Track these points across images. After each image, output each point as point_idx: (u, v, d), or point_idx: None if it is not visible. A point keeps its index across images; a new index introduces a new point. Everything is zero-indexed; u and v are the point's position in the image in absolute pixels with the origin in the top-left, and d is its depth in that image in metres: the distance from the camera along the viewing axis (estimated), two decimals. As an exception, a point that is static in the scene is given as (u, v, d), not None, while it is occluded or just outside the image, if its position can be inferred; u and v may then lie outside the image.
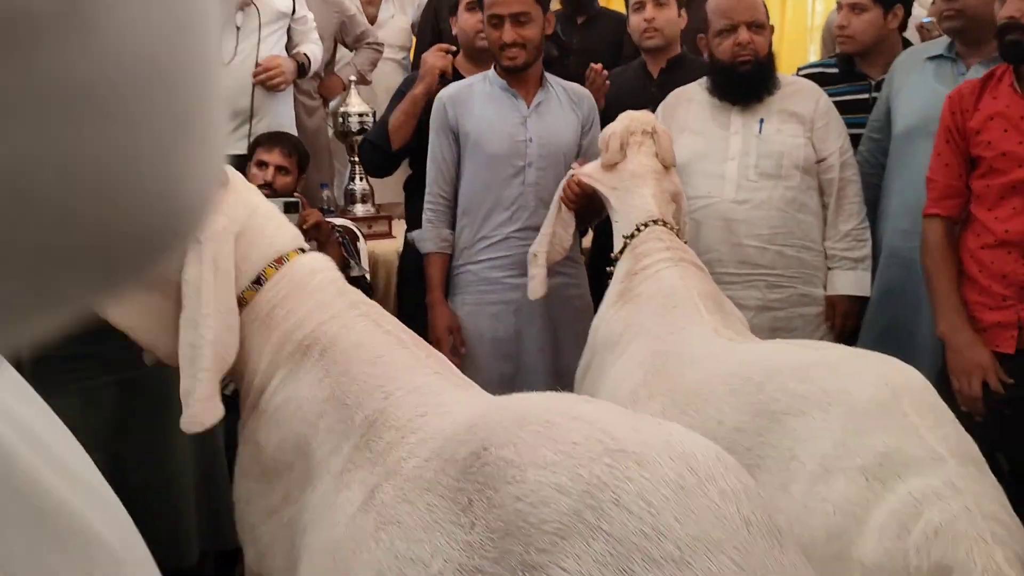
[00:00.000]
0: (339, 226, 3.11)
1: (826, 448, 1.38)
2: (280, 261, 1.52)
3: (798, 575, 0.95)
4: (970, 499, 1.29)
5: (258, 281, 1.50)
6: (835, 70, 3.23)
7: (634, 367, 1.84)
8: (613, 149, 2.34)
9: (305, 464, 1.35)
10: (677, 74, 3.08)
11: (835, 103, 2.97)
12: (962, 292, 2.34)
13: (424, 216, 2.81)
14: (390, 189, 3.66)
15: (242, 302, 1.49)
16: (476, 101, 2.76)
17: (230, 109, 3.26)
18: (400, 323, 1.55)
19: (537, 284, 2.41)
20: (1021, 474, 2.08)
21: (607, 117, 3.02)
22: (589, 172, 2.38)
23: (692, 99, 2.85)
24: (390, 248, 3.40)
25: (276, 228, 1.57)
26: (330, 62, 3.83)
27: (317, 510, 1.29)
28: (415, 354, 1.43)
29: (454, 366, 1.50)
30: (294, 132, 3.35)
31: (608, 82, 3.07)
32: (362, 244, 3.23)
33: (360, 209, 3.63)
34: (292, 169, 2.99)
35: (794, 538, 1.18)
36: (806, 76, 3.23)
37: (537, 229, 2.63)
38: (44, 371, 1.85)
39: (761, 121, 2.76)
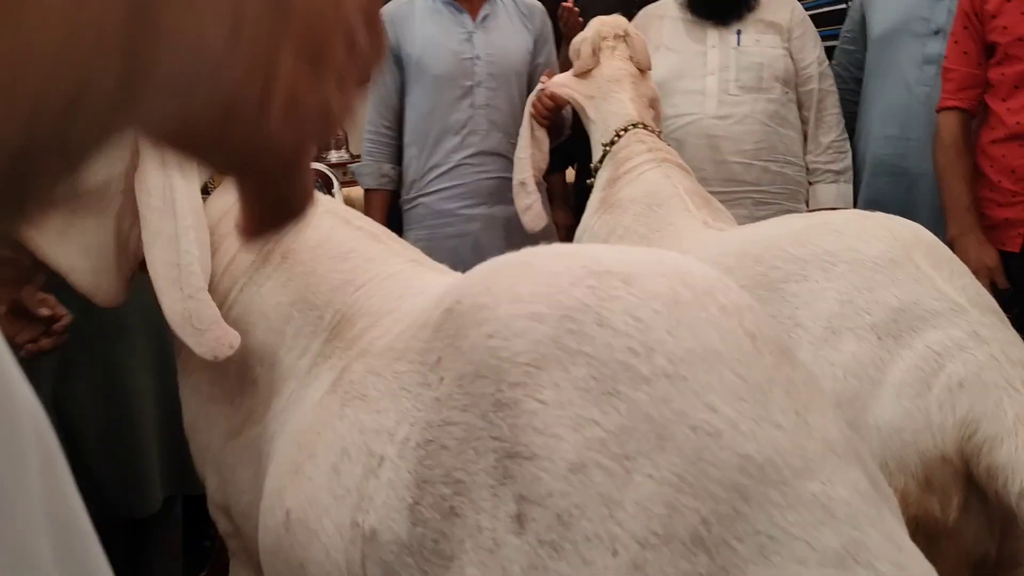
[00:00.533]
0: (314, 171, 3.04)
1: (832, 308, 1.28)
2: None
3: (812, 395, 0.82)
4: (996, 347, 1.20)
5: (205, 190, 1.34)
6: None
7: None
8: (585, 55, 2.25)
9: (270, 375, 1.23)
10: None
11: (811, 15, 2.90)
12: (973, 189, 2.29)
13: (363, 149, 2.68)
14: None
15: None
16: (417, 18, 2.59)
17: None
18: (372, 220, 1.42)
19: (534, 214, 2.30)
20: None
21: None
22: (562, 82, 2.30)
23: (664, 15, 2.76)
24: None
25: None
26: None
27: (285, 413, 1.18)
28: (389, 246, 1.32)
29: (433, 262, 1.38)
30: None
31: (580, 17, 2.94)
32: (337, 190, 3.16)
33: (335, 156, 3.56)
34: None
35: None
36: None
37: (491, 154, 2.58)
38: None
39: (738, 33, 2.68)
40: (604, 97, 2.20)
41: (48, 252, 1.21)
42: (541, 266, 0.91)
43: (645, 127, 2.12)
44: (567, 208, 3.01)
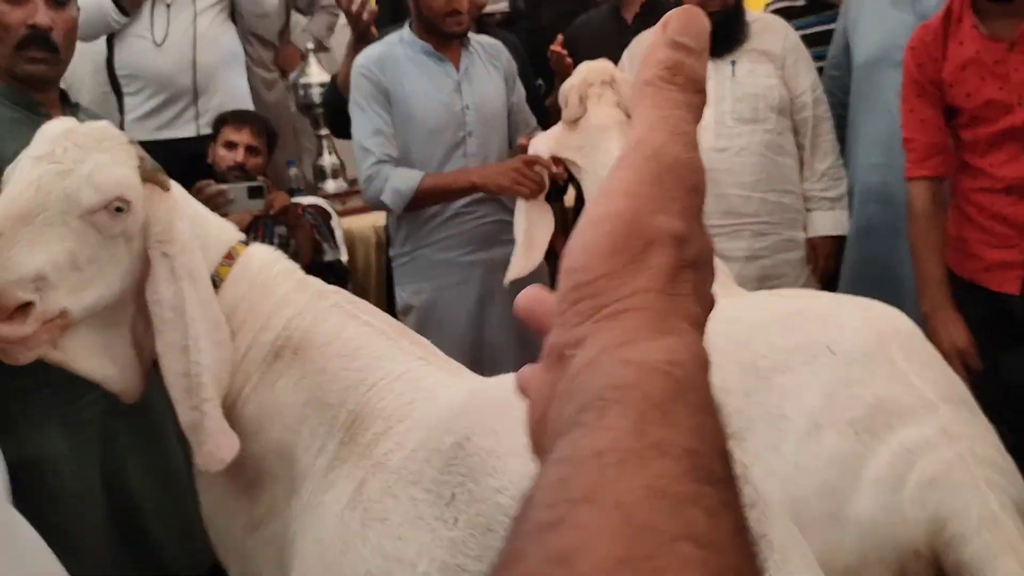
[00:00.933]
0: (309, 206, 3.03)
1: (815, 402, 1.35)
2: (230, 257, 1.38)
3: None
4: (964, 445, 1.27)
5: (213, 283, 1.35)
6: (802, 2, 3.15)
7: None
8: (573, 104, 2.25)
9: (290, 472, 1.26)
10: (652, 20, 2.93)
11: (803, 36, 2.90)
12: (960, 232, 2.27)
13: (381, 169, 2.53)
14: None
15: None
16: (404, 68, 2.56)
17: (168, 91, 3.10)
18: (377, 310, 1.45)
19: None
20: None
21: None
22: (547, 137, 2.29)
23: (660, 45, 2.75)
24: (366, 224, 3.30)
25: (215, 220, 1.44)
26: (284, 30, 3.69)
27: (305, 515, 1.22)
28: (397, 343, 1.33)
29: (438, 350, 1.42)
30: (250, 107, 3.22)
31: (569, 59, 2.91)
32: (336, 223, 3.14)
33: (332, 185, 3.54)
34: (262, 149, 2.89)
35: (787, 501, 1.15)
36: (774, 11, 3.15)
37: (485, 200, 2.58)
38: (23, 404, 1.81)
39: (733, 63, 2.68)
40: (594, 147, 2.20)
41: (81, 367, 1.29)
42: None
43: None
44: (565, 236, 3.01)
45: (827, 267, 2.71)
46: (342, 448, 1.20)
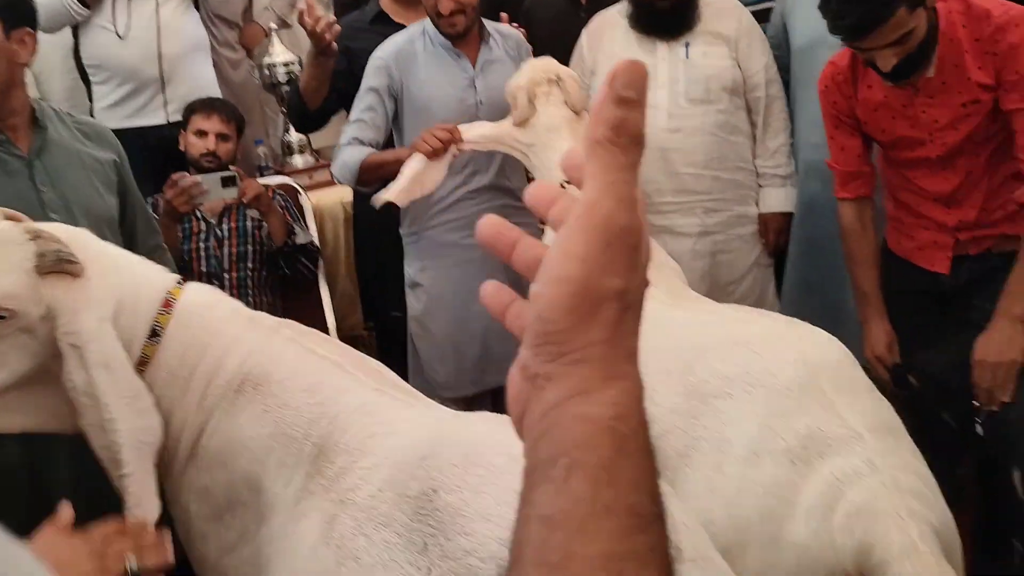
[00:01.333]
0: (278, 188, 3.11)
1: (752, 430, 1.47)
2: (167, 305, 1.41)
3: None
4: (887, 475, 1.39)
5: (154, 334, 1.39)
6: (752, -22, 3.21)
7: None
8: (522, 105, 2.30)
9: (258, 500, 1.34)
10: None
11: (756, 11, 2.98)
12: (896, 213, 2.39)
13: (344, 148, 2.62)
14: (329, 131, 3.61)
15: (143, 361, 1.38)
16: (420, 62, 2.64)
17: (135, 81, 3.14)
18: (330, 339, 1.51)
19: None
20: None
21: (538, 51, 2.94)
22: (481, 131, 2.32)
23: (616, 25, 2.83)
24: (334, 199, 3.38)
25: (144, 270, 1.46)
26: (247, 9, 3.72)
27: (276, 542, 1.30)
28: (353, 375, 1.40)
29: (394, 378, 1.49)
30: (217, 93, 3.27)
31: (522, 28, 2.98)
32: (305, 200, 3.23)
33: (299, 160, 3.60)
34: (232, 135, 2.96)
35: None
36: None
37: (491, 188, 2.69)
38: None
39: (687, 45, 2.75)
40: (545, 146, 2.28)
41: (5, 425, 1.37)
42: (504, 476, 1.07)
43: None
44: None
45: (778, 242, 2.83)
46: (309, 480, 1.28)
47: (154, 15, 3.08)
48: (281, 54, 3.52)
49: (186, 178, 2.66)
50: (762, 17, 2.95)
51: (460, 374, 2.74)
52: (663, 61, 2.76)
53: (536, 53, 3.00)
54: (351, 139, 2.63)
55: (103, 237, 1.97)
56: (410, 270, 2.82)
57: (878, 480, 1.38)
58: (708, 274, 2.78)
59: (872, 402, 1.54)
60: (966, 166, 2.21)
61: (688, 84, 2.72)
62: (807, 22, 2.69)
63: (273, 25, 3.56)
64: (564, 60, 2.83)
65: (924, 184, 2.28)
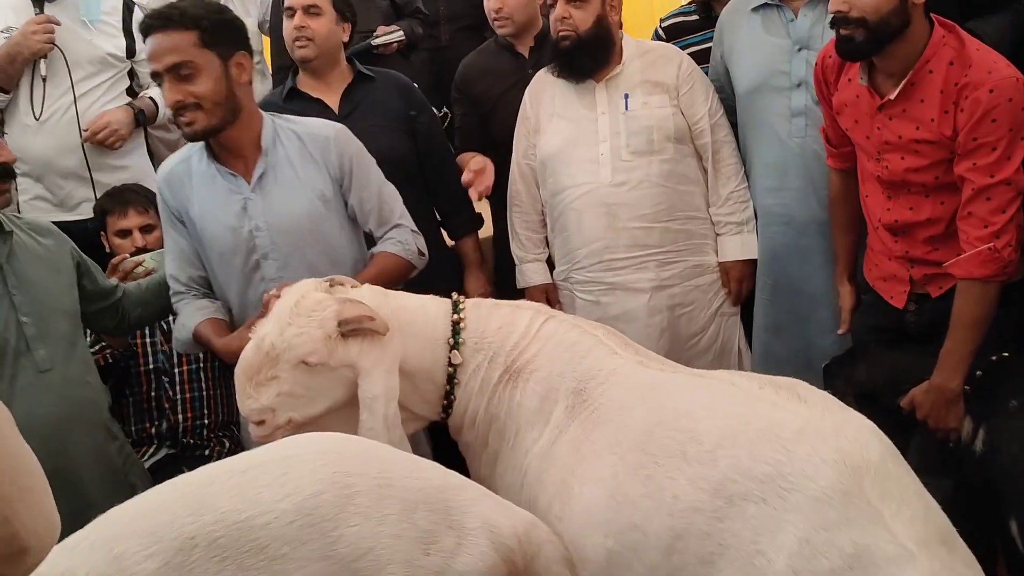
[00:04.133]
0: None
1: (791, 545, 1.32)
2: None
3: None
4: None
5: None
6: (694, 17, 3.15)
7: (569, 423, 1.72)
8: (381, 324, 1.87)
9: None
10: (547, 53, 2.88)
11: (696, 52, 2.90)
12: (869, 240, 2.34)
13: (178, 302, 2.34)
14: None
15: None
16: (195, 183, 2.28)
17: (55, 172, 2.96)
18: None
19: None
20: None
21: (489, 112, 2.95)
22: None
23: (555, 82, 2.75)
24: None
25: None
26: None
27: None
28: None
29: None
30: (152, 179, 3.14)
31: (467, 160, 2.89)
32: None
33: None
34: (155, 220, 2.83)
35: None
36: (668, 27, 3.15)
37: None
38: None
39: (626, 96, 2.67)
40: (406, 334, 1.92)
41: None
42: None
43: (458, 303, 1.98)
44: (481, 273, 2.97)
45: (740, 291, 2.73)
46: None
47: (72, 103, 2.94)
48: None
49: (127, 260, 2.59)
50: (708, 56, 2.88)
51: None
52: (603, 115, 2.67)
53: (488, 116, 2.98)
54: (183, 285, 2.33)
55: (68, 334, 2.22)
56: None
57: None
58: (667, 329, 2.66)
59: (922, 508, 1.36)
60: (909, 202, 2.15)
61: (629, 136, 2.64)
62: (750, 67, 2.65)
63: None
64: (516, 118, 2.80)
65: (872, 206, 2.24)
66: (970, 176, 1.99)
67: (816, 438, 1.41)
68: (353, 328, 1.81)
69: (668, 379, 1.71)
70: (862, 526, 1.30)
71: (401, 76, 2.91)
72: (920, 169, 2.08)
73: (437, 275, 2.53)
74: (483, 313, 1.93)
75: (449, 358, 1.90)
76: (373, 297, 1.94)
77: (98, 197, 2.91)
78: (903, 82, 2.06)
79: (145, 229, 2.78)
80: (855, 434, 1.44)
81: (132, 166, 3.07)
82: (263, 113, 2.31)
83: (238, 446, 2.63)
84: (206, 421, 2.71)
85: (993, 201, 1.97)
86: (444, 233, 2.97)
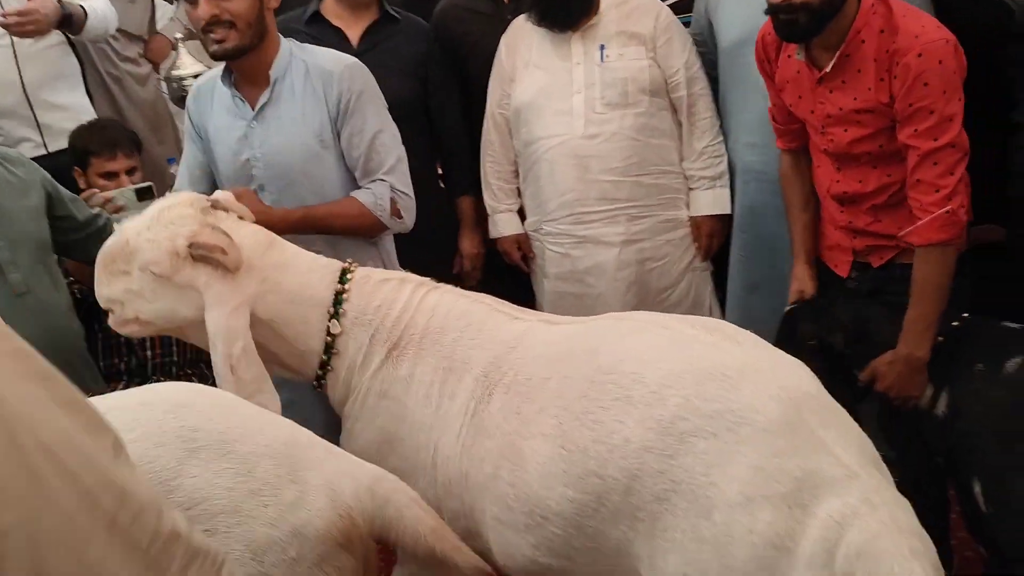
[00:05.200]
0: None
1: (743, 474, 1.36)
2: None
3: None
4: (886, 513, 1.31)
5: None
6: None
7: (488, 393, 1.69)
8: (234, 258, 1.80)
9: None
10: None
11: (679, 1, 2.87)
12: (820, 211, 2.35)
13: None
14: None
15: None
16: (215, 103, 2.31)
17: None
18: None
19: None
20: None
21: (466, 61, 2.87)
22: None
23: (532, 31, 2.71)
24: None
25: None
26: (151, 20, 3.54)
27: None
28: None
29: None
30: (91, 114, 3.05)
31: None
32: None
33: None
34: (138, 164, 2.80)
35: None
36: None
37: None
38: None
39: (602, 47, 2.65)
40: (281, 286, 1.87)
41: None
42: None
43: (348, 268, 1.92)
44: (475, 233, 2.93)
45: (710, 246, 2.74)
46: None
47: (10, 44, 2.83)
48: (190, 66, 3.35)
49: (96, 195, 2.52)
50: (684, 7, 2.84)
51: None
52: (578, 66, 2.65)
53: (464, 63, 2.91)
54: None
55: (40, 260, 2.26)
56: None
57: (877, 519, 1.30)
58: (636, 283, 2.68)
59: (857, 435, 1.44)
60: (858, 174, 2.16)
61: (604, 88, 2.62)
62: (734, 20, 2.61)
63: (179, 35, 3.40)
64: (491, 66, 2.76)
65: (822, 176, 2.24)
66: (913, 143, 2.00)
67: (758, 375, 1.46)
68: (203, 254, 1.76)
69: (592, 328, 1.71)
70: (808, 452, 1.37)
71: (425, 24, 2.85)
72: (863, 139, 2.09)
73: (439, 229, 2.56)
74: (368, 289, 1.86)
75: (328, 326, 1.84)
76: (253, 237, 1.85)
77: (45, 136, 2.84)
78: (837, 54, 2.05)
79: (130, 172, 2.75)
80: (790, 370, 1.52)
81: (71, 105, 3.00)
82: (282, 40, 2.31)
83: (207, 384, 2.65)
84: (175, 358, 2.71)
85: (940, 165, 1.98)
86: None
